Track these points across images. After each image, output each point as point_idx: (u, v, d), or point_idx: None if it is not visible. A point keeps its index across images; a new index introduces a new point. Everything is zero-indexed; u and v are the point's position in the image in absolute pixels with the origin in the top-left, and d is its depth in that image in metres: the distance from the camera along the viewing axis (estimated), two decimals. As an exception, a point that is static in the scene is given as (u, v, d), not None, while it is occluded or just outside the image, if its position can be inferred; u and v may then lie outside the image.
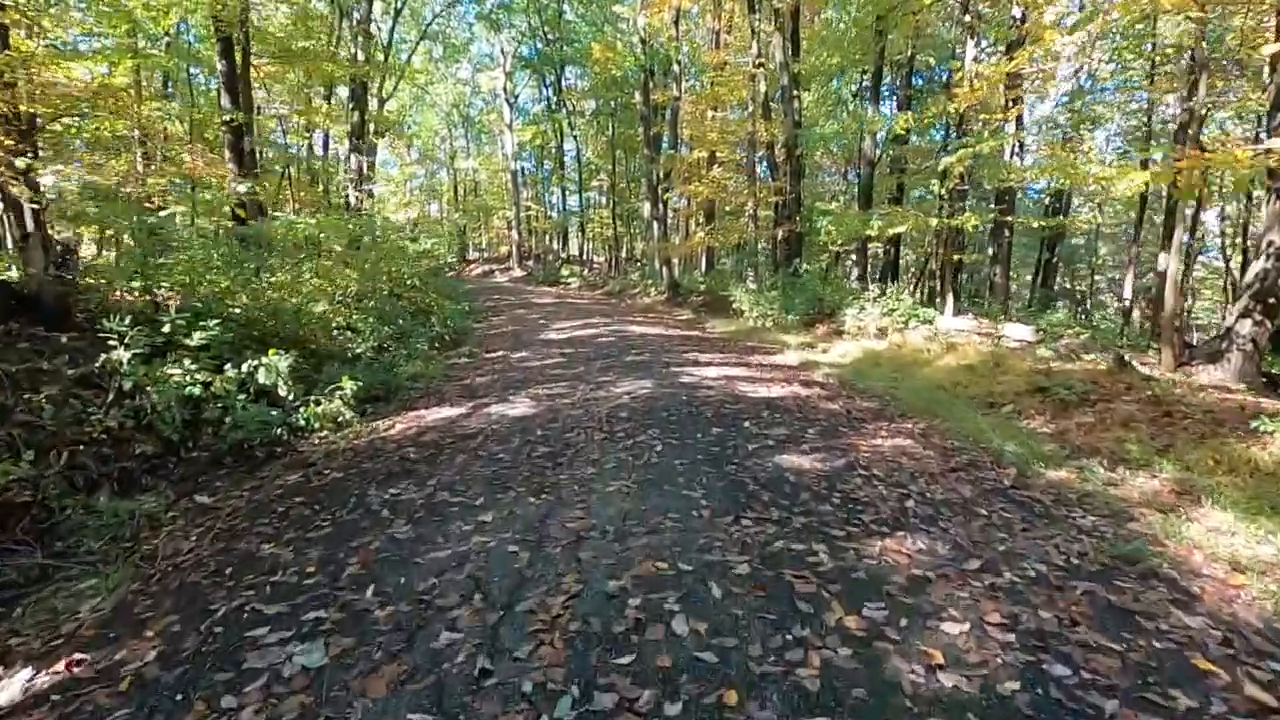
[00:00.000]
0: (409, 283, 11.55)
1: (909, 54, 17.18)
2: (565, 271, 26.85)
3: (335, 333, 8.54)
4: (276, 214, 8.06)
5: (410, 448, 5.16)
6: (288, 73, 16.26)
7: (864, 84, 23.08)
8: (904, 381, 8.20)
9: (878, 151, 16.35)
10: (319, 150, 21.47)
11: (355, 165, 16.35)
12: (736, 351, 10.25)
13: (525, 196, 32.71)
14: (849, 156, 24.84)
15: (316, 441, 5.65)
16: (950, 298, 12.02)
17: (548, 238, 33.64)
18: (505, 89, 29.76)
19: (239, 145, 11.35)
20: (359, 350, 8.35)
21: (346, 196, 16.11)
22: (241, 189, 9.62)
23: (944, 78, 20.92)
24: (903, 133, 12.68)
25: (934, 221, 10.68)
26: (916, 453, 5.09)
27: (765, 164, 17.87)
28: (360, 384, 6.56)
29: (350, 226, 8.84)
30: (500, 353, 9.99)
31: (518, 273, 30.46)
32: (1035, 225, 12.79)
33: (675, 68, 18.38)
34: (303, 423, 5.76)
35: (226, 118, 12.59)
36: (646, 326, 12.92)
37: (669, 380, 7.40)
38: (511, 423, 5.78)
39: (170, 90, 16.46)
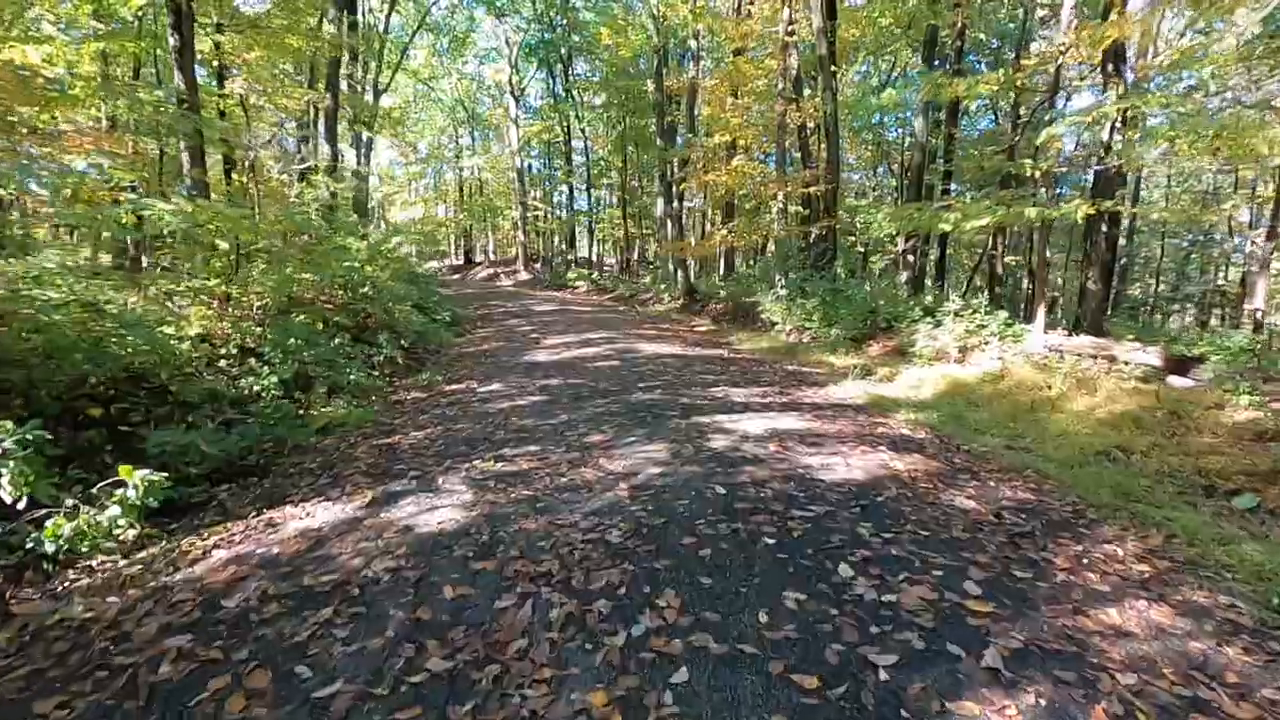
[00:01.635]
0: (365, 291, 8.93)
1: (959, 25, 14.32)
2: (572, 275, 24.20)
3: (230, 364, 5.93)
4: (138, 198, 5.51)
5: (178, 639, 2.49)
6: (252, 49, 13.75)
7: (891, 75, 20.29)
8: (1033, 436, 5.45)
9: (927, 136, 13.55)
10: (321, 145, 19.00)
11: (330, 156, 13.78)
12: (777, 381, 7.53)
13: (533, 197, 30.11)
14: (883, 149, 22.02)
15: (61, 586, 3.03)
16: (1042, 310, 9.22)
17: (556, 239, 31.02)
18: (511, 82, 27.17)
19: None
20: (260, 387, 5.76)
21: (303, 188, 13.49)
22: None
23: (982, 60, 18.03)
24: (987, 95, 9.85)
25: (1031, 212, 7.92)
26: (1211, 656, 2.36)
27: (795, 151, 15.09)
28: (180, 474, 3.94)
29: (258, 220, 6.18)
30: (466, 384, 7.34)
31: (524, 276, 27.88)
32: (1155, 216, 9.89)
33: (693, 44, 15.67)
34: (49, 548, 3.14)
35: (158, 94, 10.20)
36: (659, 343, 10.22)
37: (693, 445, 4.69)
38: (409, 556, 3.10)
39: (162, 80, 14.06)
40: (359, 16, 21.57)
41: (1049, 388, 6.56)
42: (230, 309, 7.16)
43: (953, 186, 17.93)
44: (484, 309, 16.18)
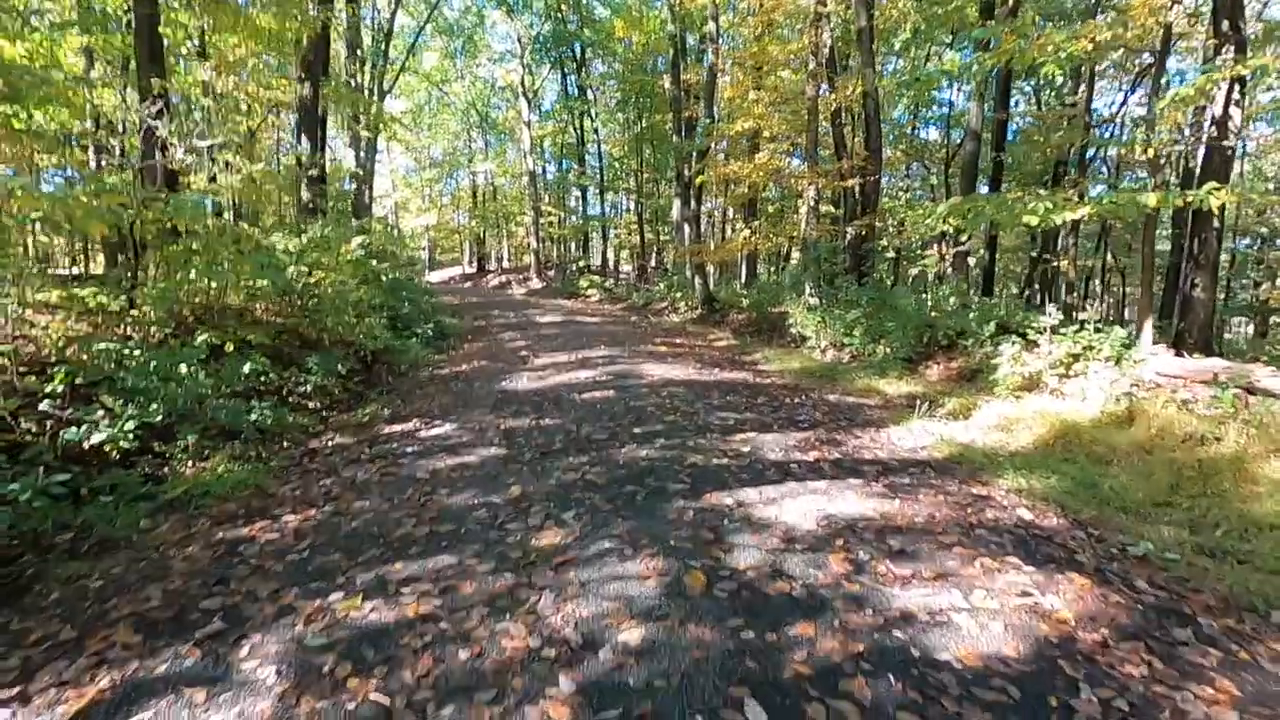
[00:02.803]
0: (312, 303, 7.16)
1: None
2: (584, 283, 22.36)
3: (58, 405, 4.16)
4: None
5: None
6: (226, 34, 12.17)
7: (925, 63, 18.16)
8: (1228, 526, 3.45)
9: (982, 122, 11.51)
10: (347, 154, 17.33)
11: (309, 150, 12.12)
12: (821, 421, 5.56)
13: (546, 202, 28.41)
14: (915, 147, 19.94)
15: None
16: (1149, 325, 7.19)
17: (572, 245, 29.29)
18: (523, 83, 25.53)
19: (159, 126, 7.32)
20: (105, 438, 3.99)
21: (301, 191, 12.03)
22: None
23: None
24: (1078, 57, 7.76)
25: (1149, 199, 5.93)
26: None
27: (823, 150, 13.11)
28: None
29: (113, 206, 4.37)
30: (413, 423, 5.50)
31: (536, 284, 26.14)
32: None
33: (711, 26, 13.80)
34: None
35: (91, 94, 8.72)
36: (671, 363, 8.32)
37: (703, 564, 2.76)
38: None
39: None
40: (364, 17, 20.16)
41: (1215, 439, 4.52)
42: (115, 326, 5.44)
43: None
44: (481, 320, 14.42)
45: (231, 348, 5.60)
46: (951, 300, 9.49)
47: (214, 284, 5.64)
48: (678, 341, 11.06)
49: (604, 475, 3.91)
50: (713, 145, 14.05)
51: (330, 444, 5.07)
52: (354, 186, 18.74)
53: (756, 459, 4.30)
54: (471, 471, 4.10)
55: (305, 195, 12.23)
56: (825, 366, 8.63)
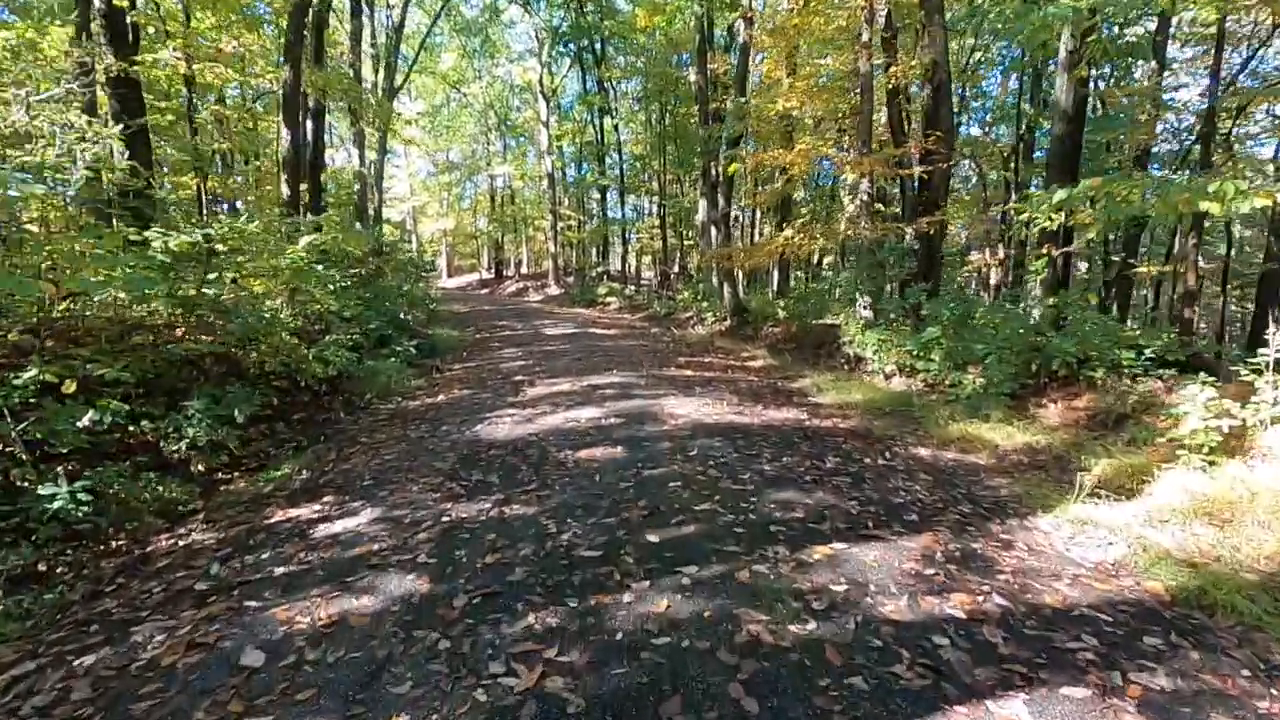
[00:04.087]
0: (216, 318, 5.33)
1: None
2: (602, 290, 20.46)
3: None
4: None
5: None
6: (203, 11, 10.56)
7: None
8: None
9: (1070, 98, 9.33)
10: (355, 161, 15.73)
11: (290, 142, 10.44)
12: (933, 504, 3.55)
13: (565, 205, 26.61)
14: (967, 143, 17.65)
15: None
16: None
17: (592, 251, 27.44)
18: (542, 82, 23.79)
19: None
20: None
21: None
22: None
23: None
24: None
25: None
26: None
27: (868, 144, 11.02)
28: None
29: None
30: (322, 504, 3.62)
31: (554, 291, 24.33)
32: None
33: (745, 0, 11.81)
34: None
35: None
36: (700, 396, 6.35)
37: None
38: None
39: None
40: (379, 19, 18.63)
41: None
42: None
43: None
44: (486, 332, 12.61)
45: (74, 387, 3.79)
46: (1035, 314, 7.33)
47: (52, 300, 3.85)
48: (706, 361, 9.08)
49: (582, 681, 1.96)
50: (745, 133, 12.04)
51: (181, 544, 3.22)
52: (358, 187, 17.16)
53: (866, 619, 2.31)
54: (343, 648, 2.17)
55: (285, 191, 10.57)
56: (895, 399, 6.58)
